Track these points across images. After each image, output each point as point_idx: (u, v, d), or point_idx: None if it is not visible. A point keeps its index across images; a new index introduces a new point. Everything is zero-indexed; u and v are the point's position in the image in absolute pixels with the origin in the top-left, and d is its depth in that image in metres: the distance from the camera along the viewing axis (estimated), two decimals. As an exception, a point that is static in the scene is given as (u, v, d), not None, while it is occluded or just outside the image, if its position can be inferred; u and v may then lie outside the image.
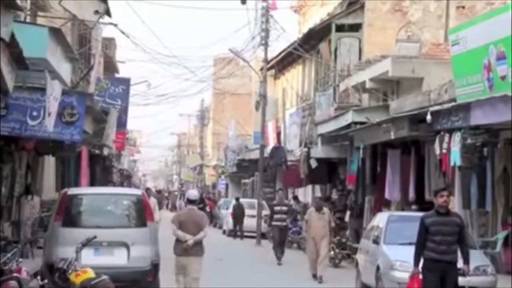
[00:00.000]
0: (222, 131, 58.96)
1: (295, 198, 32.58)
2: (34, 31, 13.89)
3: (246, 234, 34.12)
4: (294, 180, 31.31)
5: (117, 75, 39.53)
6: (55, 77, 14.85)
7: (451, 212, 10.64)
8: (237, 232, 34.64)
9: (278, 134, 34.85)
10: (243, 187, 52.04)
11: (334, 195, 29.28)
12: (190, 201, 12.87)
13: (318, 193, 33.26)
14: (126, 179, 56.77)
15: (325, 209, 19.44)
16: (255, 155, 38.71)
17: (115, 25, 23.49)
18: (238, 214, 34.97)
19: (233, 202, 36.72)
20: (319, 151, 28.24)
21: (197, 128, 78.34)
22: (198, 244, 12.52)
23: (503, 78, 13.86)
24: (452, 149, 16.31)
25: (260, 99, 32.79)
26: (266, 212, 34.68)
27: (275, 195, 25.80)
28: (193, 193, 13.38)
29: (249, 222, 33.99)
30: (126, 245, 12.78)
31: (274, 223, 23.22)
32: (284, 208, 23.52)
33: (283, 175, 33.00)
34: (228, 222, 36.74)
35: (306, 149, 29.41)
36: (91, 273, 10.02)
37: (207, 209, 42.30)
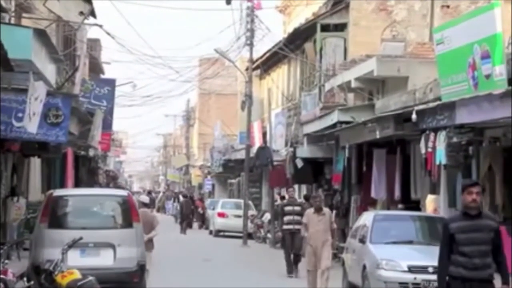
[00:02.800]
0: (208, 132, 58.92)
1: (283, 198, 32.61)
2: (18, 32, 13.85)
3: (233, 234, 34.14)
4: (280, 180, 31.33)
5: (102, 76, 39.41)
6: (40, 79, 14.81)
7: (484, 213, 8.05)
8: (185, 227, 38.22)
9: (264, 134, 34.86)
10: (229, 187, 52.03)
11: (321, 195, 29.30)
12: (144, 204, 15.27)
13: (304, 193, 33.30)
14: (112, 180, 56.58)
15: (326, 209, 16.39)
16: (241, 155, 38.71)
17: (100, 26, 23.46)
18: (186, 211, 39.05)
19: (181, 198, 38.33)
20: (305, 151, 28.28)
21: (183, 129, 78.26)
22: (150, 241, 14.42)
23: (488, 76, 13.93)
24: (438, 148, 16.36)
25: (245, 99, 32.80)
26: (252, 212, 34.80)
27: (283, 194, 21.26)
28: (145, 198, 16.51)
29: (235, 222, 34.01)
30: (112, 246, 12.76)
31: (285, 226, 19.72)
32: (297, 208, 19.80)
33: (269, 175, 33.00)
34: (215, 223, 36.75)
35: (292, 149, 29.44)
36: (77, 274, 10.00)
37: (200, 210, 42.15)
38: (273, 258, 23.95)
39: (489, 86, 13.86)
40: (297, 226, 18.65)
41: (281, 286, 17.30)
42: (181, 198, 47.70)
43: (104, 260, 12.61)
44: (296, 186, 34.03)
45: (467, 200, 7.95)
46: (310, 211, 16.10)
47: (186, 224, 39.49)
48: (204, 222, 40.80)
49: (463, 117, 15.35)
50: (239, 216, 33.29)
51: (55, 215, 13.03)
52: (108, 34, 24.29)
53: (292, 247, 19.49)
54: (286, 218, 19.62)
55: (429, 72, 18.69)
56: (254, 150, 33.42)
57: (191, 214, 42.12)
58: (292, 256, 19.58)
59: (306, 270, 16.00)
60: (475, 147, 17.04)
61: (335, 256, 21.71)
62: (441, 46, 15.77)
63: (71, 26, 24.34)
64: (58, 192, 13.99)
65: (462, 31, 14.85)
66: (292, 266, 19.36)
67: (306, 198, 27.63)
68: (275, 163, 31.32)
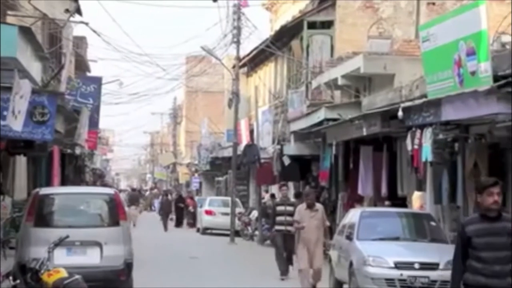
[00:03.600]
0: (195, 129, 58.87)
1: (272, 196, 32.66)
2: (3, 30, 13.77)
3: (220, 232, 34.14)
4: (267, 177, 31.35)
5: (88, 74, 39.30)
6: (25, 77, 14.74)
7: (504, 215, 7.26)
8: (166, 224, 39.17)
9: (251, 132, 34.86)
10: (216, 185, 52.01)
11: (313, 191, 29.32)
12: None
13: (292, 190, 33.34)
14: (99, 178, 56.47)
15: (318, 205, 15.69)
16: (228, 153, 38.70)
17: (86, 23, 23.40)
18: (166, 209, 40.09)
19: (160, 197, 38.90)
20: (292, 148, 28.31)
21: (170, 127, 78.18)
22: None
23: (473, 73, 13.98)
24: (424, 145, 16.42)
25: (232, 97, 32.80)
26: (239, 209, 34.80)
27: (278, 192, 19.20)
28: None
29: (223, 220, 34.01)
30: (99, 245, 12.74)
31: (277, 227, 18.43)
32: (290, 208, 17.99)
33: (256, 173, 33.02)
34: (203, 220, 36.73)
35: (279, 147, 29.47)
36: (63, 273, 9.96)
37: (190, 209, 41.99)
38: (261, 255, 23.97)
39: (474, 83, 13.91)
40: (289, 228, 17.52)
41: (273, 286, 17.29)
42: (175, 196, 47.71)
43: (91, 258, 12.58)
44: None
45: (488, 202, 7.05)
46: (302, 207, 15.45)
47: (167, 222, 40.04)
48: (195, 220, 40.67)
49: (449, 114, 15.41)
50: (226, 214, 33.29)
51: (41, 214, 12.99)
52: (94, 31, 24.24)
53: (285, 249, 18.18)
54: (278, 219, 18.24)
55: (415, 69, 18.75)
56: (241, 147, 33.42)
57: (171, 212, 42.66)
58: (284, 258, 18.43)
59: (297, 270, 15.57)
60: (460, 144, 17.12)
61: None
62: (427, 43, 15.82)
63: (56, 23, 24.27)
64: (44, 191, 13.95)
65: (448, 28, 14.89)
66: (284, 268, 18.22)
67: (297, 195, 27.66)
68: (262, 160, 31.34)
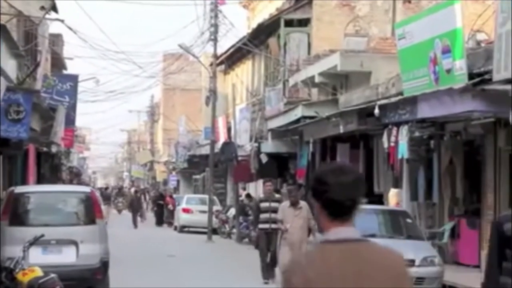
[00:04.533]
0: (173, 127, 58.73)
1: (248, 195, 32.66)
2: (-23, 27, 13.64)
3: (198, 230, 34.09)
4: (244, 175, 31.35)
5: (65, 72, 39.08)
6: (0, 74, 14.61)
7: None
8: (137, 221, 39.54)
9: (229, 130, 34.84)
10: (194, 183, 51.92)
11: (285, 190, 29.39)
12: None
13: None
14: (76, 176, 56.16)
15: (303, 203, 14.55)
16: (205, 150, 38.63)
17: (62, 21, 23.25)
18: (135, 206, 40.70)
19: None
20: (269, 146, 28.33)
21: (147, 124, 77.95)
22: None
23: (449, 71, 14.07)
24: (400, 142, 16.50)
25: (210, 94, 32.73)
26: (217, 207, 34.76)
27: (264, 188, 17.17)
28: None
29: (200, 218, 33.95)
30: (74, 243, 12.67)
31: (260, 225, 16.41)
32: (275, 204, 16.15)
33: (234, 170, 33.00)
34: (180, 218, 36.66)
35: (256, 144, 29.48)
36: (38, 272, 9.90)
37: (170, 207, 41.79)
38: (239, 253, 23.96)
39: (449, 81, 14.00)
40: (274, 226, 15.98)
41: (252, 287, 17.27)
42: (155, 194, 47.59)
43: (67, 257, 12.51)
44: (260, 181, 34.16)
45: None
46: (285, 205, 14.50)
47: (136, 219, 40.40)
48: (174, 219, 40.48)
49: (425, 111, 15.50)
50: (204, 212, 33.22)
51: (16, 213, 12.89)
52: (70, 29, 24.10)
53: (269, 249, 16.34)
54: (262, 216, 16.33)
55: (392, 67, 18.84)
56: (218, 145, 33.39)
57: (140, 208, 43.12)
58: (268, 259, 16.50)
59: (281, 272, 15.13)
60: (436, 141, 17.23)
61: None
62: (403, 41, 15.90)
63: (32, 21, 24.09)
64: (19, 189, 13.85)
65: (423, 26, 14.98)
66: (267, 271, 16.35)
67: (276, 191, 27.58)
68: (239, 158, 31.32)
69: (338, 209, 3.04)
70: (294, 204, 14.41)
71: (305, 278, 2.96)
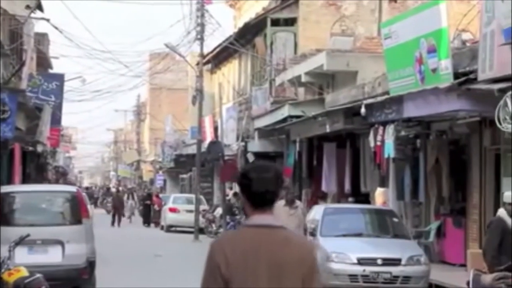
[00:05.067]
0: (159, 127, 58.64)
1: (235, 194, 32.65)
2: (-38, 26, 13.58)
3: (184, 229, 34.04)
4: (231, 174, 31.30)
5: (50, 71, 38.93)
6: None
7: None
8: (116, 220, 39.50)
9: (215, 129, 34.82)
10: (180, 183, 51.85)
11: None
12: None
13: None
14: (62, 176, 55.99)
15: (298, 202, 14.17)
16: (192, 150, 38.59)
17: (47, 20, 23.18)
18: (117, 204, 40.65)
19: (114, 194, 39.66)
20: (256, 145, 28.34)
21: (134, 124, 77.77)
22: None
23: (434, 70, 14.12)
24: (386, 141, 16.55)
25: (196, 94, 32.69)
26: (204, 207, 34.73)
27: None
28: None
29: (187, 217, 33.90)
30: (60, 243, 12.62)
31: None
32: None
33: (221, 170, 32.98)
34: (167, 218, 36.60)
35: (243, 143, 29.48)
36: (24, 272, 9.86)
37: (156, 207, 41.66)
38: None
39: (435, 80, 14.05)
40: None
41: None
42: (142, 194, 47.46)
43: (53, 257, 12.46)
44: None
45: None
46: (280, 203, 13.52)
47: (119, 217, 40.53)
48: (160, 219, 40.30)
49: (411, 110, 15.55)
50: (190, 211, 33.19)
51: (1, 212, 12.81)
52: (56, 28, 24.04)
53: None
54: None
55: (378, 67, 18.89)
56: (205, 144, 33.36)
57: (122, 207, 43.21)
58: None
59: None
60: (422, 140, 17.28)
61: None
62: (389, 41, 15.94)
63: (17, 20, 24.00)
64: (4, 189, 13.77)
65: (409, 25, 15.03)
66: None
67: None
68: (226, 157, 31.31)
69: (259, 200, 3.58)
70: (289, 202, 13.61)
71: (224, 255, 3.53)
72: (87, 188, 55.14)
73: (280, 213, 13.21)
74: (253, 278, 3.51)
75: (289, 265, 3.52)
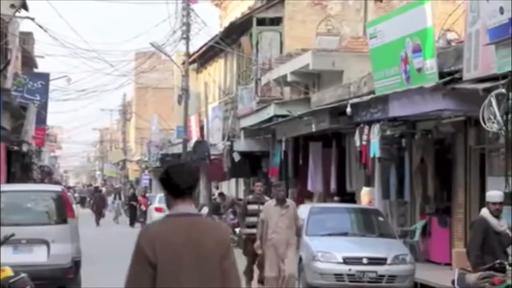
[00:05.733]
0: (145, 126, 58.50)
1: (221, 194, 32.63)
2: None
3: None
4: (217, 174, 31.33)
5: (35, 70, 38.77)
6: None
7: None
8: (95, 220, 40.20)
9: (201, 128, 34.80)
10: (166, 182, 51.72)
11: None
12: None
13: (242, 187, 33.37)
14: (47, 176, 55.73)
15: (290, 201, 13.14)
16: (178, 149, 38.56)
17: (32, 19, 23.10)
18: (99, 204, 41.22)
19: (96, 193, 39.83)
20: (242, 144, 28.34)
21: (120, 123, 77.55)
22: None
23: (419, 70, 14.17)
24: (372, 141, 16.58)
25: (182, 93, 32.69)
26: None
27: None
28: None
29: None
30: (46, 242, 12.58)
31: (247, 230, 13.96)
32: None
33: (207, 169, 32.98)
34: (152, 217, 36.50)
35: (229, 143, 29.47)
36: (9, 272, 9.81)
37: (142, 207, 41.33)
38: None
39: (420, 80, 14.10)
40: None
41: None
42: (127, 194, 47.29)
43: (38, 256, 12.42)
44: (233, 180, 34.18)
45: None
46: (270, 203, 12.75)
47: (100, 216, 40.61)
48: (145, 219, 40.05)
49: (396, 110, 15.59)
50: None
51: (-14, 212, 12.77)
52: (41, 27, 23.96)
53: (256, 256, 13.69)
54: (249, 220, 14.04)
55: (363, 66, 18.93)
56: (191, 144, 33.35)
57: (104, 207, 43.34)
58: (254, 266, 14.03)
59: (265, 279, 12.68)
60: (407, 139, 17.33)
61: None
62: (374, 40, 15.98)
63: (2, 19, 23.89)
64: (-11, 189, 13.71)
65: (394, 25, 15.07)
66: (251, 277, 14.06)
67: (251, 192, 27.48)
68: (212, 157, 31.31)
69: (178, 191, 4.19)
70: (280, 202, 12.56)
71: (150, 240, 4.10)
72: (69, 188, 54.89)
73: (271, 213, 12.53)
74: (178, 261, 4.05)
75: (209, 247, 4.12)
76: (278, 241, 12.41)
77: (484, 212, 9.68)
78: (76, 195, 59.54)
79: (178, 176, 4.22)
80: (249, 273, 13.98)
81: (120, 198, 49.53)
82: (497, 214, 9.57)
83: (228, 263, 4.15)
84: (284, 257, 12.34)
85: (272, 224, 12.45)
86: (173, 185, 4.21)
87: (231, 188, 35.18)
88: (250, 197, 15.09)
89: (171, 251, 4.04)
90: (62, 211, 13.02)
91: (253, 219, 13.86)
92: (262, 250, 12.73)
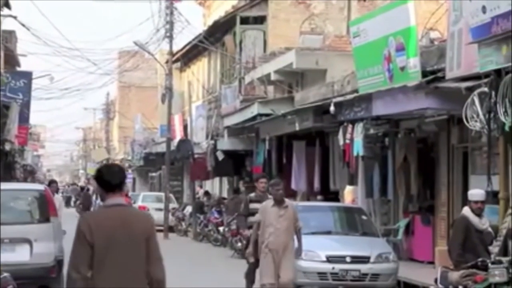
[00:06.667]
0: (128, 125, 58.36)
1: (206, 193, 32.59)
2: None
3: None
4: (201, 172, 31.30)
5: (18, 69, 38.57)
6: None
7: None
8: None
9: (185, 127, 34.74)
10: (150, 181, 51.69)
11: (241, 187, 29.42)
12: None
13: (226, 185, 33.34)
14: (30, 175, 55.45)
15: (288, 201, 11.77)
16: (162, 148, 38.48)
17: (15, 17, 22.98)
18: (86, 203, 39.56)
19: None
20: (225, 143, 28.32)
21: (103, 122, 77.31)
22: None
23: (402, 69, 14.21)
24: (355, 139, 16.62)
25: (166, 92, 32.59)
26: (173, 205, 34.66)
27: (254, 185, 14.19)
28: None
29: (156, 216, 33.81)
30: (28, 241, 12.51)
31: (250, 231, 12.71)
32: None
33: (190, 168, 32.95)
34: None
35: (212, 142, 29.45)
36: (-9, 271, 9.76)
37: None
38: (195, 250, 23.89)
39: (403, 78, 14.14)
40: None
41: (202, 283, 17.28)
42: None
43: (20, 255, 12.35)
44: (217, 179, 34.15)
45: None
46: (268, 204, 11.53)
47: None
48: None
49: (379, 109, 15.63)
50: (160, 210, 33.07)
51: (-32, 211, 12.68)
52: (23, 25, 23.86)
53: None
54: (252, 220, 12.86)
55: (347, 65, 18.96)
56: (175, 143, 33.27)
57: (90, 205, 42.50)
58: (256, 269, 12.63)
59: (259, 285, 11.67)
60: (391, 138, 17.38)
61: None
62: (358, 39, 16.01)
63: (-16, 17, 23.78)
64: (-29, 188, 13.61)
65: (378, 24, 15.11)
66: (252, 280, 12.95)
67: (236, 191, 27.60)
68: (196, 155, 31.27)
69: (110, 187, 5.21)
70: (278, 202, 11.37)
71: (88, 226, 5.12)
72: (49, 184, 54.44)
73: (269, 214, 11.35)
74: (110, 241, 5.08)
75: (135, 230, 5.14)
76: (276, 245, 11.21)
77: (466, 210, 9.72)
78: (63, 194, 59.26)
79: (109, 174, 5.24)
80: (250, 276, 12.80)
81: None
82: (478, 213, 9.62)
83: (151, 244, 5.19)
84: (280, 262, 11.21)
85: (269, 226, 11.25)
86: (105, 181, 5.22)
87: (215, 187, 35.15)
88: (253, 194, 13.79)
89: (105, 233, 5.08)
90: (45, 210, 12.95)
91: (255, 218, 12.45)
92: (255, 257, 11.72)
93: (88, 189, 49.06)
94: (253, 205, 13.04)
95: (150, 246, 5.19)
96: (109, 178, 5.21)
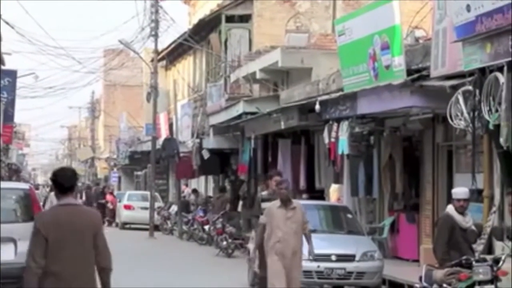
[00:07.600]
0: (114, 123, 58.17)
1: (194, 191, 32.54)
2: None
3: (139, 226, 33.88)
4: (186, 171, 31.26)
5: (2, 67, 38.35)
6: None
7: None
8: None
9: (170, 126, 34.67)
10: (135, 180, 51.56)
11: (227, 185, 29.43)
12: None
13: (211, 184, 33.32)
14: (15, 173, 55.23)
15: (296, 202, 10.76)
16: (147, 147, 38.39)
17: (-1, 15, 22.82)
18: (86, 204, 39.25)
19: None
20: (211, 142, 28.30)
21: (88, 121, 77.04)
22: None
23: (387, 67, 14.24)
24: (340, 138, 16.65)
25: (151, 90, 32.52)
26: (159, 204, 34.59)
27: (265, 183, 13.98)
28: None
29: (142, 214, 33.75)
30: (13, 241, 12.45)
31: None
32: None
33: (176, 167, 32.89)
34: (121, 215, 36.34)
35: (198, 140, 29.42)
36: (-25, 271, 9.72)
37: (109, 205, 40.42)
38: (180, 249, 23.85)
39: (388, 77, 14.18)
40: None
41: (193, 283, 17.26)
42: (96, 192, 46.77)
43: (5, 255, 12.28)
44: (202, 177, 34.11)
45: None
46: (273, 205, 10.51)
47: None
48: (114, 218, 39.25)
49: (364, 107, 15.66)
50: (145, 208, 33.02)
51: (-48, 210, 12.60)
52: (7, 23, 23.70)
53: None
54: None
55: (332, 63, 18.99)
56: (160, 141, 33.22)
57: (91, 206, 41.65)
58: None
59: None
60: (376, 136, 17.43)
61: (241, 246, 21.62)
62: (343, 38, 16.03)
63: (-32, 15, 23.64)
64: (-45, 187, 13.53)
65: (363, 22, 15.13)
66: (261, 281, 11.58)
67: (222, 189, 27.60)
68: (181, 154, 31.22)
69: (63, 188, 5.97)
70: (285, 203, 10.35)
71: (43, 221, 5.93)
72: (37, 188, 54.01)
73: (276, 216, 10.36)
74: (62, 235, 5.83)
75: (84, 226, 5.92)
76: (284, 250, 10.24)
77: (450, 208, 9.75)
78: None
79: (62, 177, 5.98)
80: (263, 283, 11.03)
81: (81, 198, 48.73)
82: (462, 211, 9.65)
83: (99, 239, 5.95)
84: (290, 268, 10.26)
85: (276, 230, 10.24)
86: (59, 184, 5.95)
87: (201, 185, 35.12)
88: (265, 193, 12.97)
89: (57, 228, 5.83)
90: (30, 209, 12.90)
91: None
92: (263, 265, 10.68)
93: (90, 188, 48.69)
94: (265, 205, 11.68)
95: (98, 239, 5.95)
96: (63, 182, 5.95)
